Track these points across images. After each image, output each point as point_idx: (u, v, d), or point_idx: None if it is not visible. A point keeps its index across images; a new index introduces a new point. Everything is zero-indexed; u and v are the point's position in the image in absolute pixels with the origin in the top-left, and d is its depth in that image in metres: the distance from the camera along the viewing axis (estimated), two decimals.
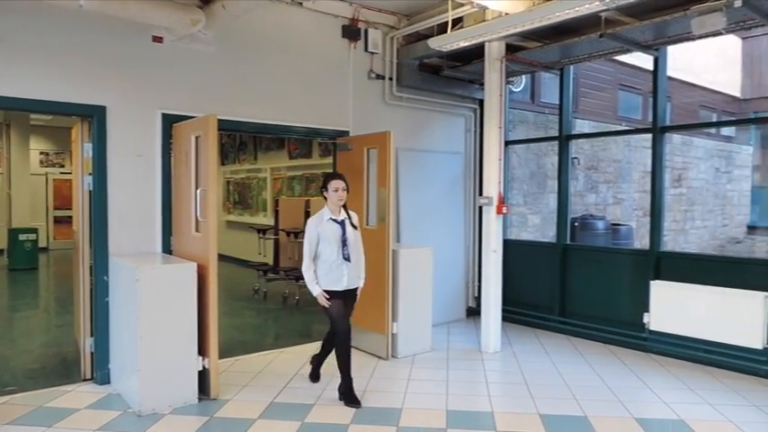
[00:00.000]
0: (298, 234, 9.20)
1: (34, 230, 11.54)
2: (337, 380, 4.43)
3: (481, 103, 6.80)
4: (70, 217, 6.02)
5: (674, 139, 11.48)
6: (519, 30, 4.67)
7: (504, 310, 5.96)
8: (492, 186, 5.71)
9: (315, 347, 5.81)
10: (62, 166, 15.10)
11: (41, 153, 14.96)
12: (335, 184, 4.34)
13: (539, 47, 5.76)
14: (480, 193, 6.09)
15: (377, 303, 5.37)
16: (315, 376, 4.77)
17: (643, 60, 8.75)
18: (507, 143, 6.82)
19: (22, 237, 11.19)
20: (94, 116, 4.63)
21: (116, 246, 4.73)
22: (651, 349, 5.68)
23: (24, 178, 12.16)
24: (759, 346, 4.89)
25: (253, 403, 4.33)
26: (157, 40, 4.90)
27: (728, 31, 4.79)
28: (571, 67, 6.56)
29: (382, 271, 5.30)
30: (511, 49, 5.80)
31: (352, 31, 6.08)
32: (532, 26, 4.51)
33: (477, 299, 6.85)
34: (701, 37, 4.94)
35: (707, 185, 12.84)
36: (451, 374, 5.09)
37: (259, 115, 5.49)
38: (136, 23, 4.64)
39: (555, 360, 5.52)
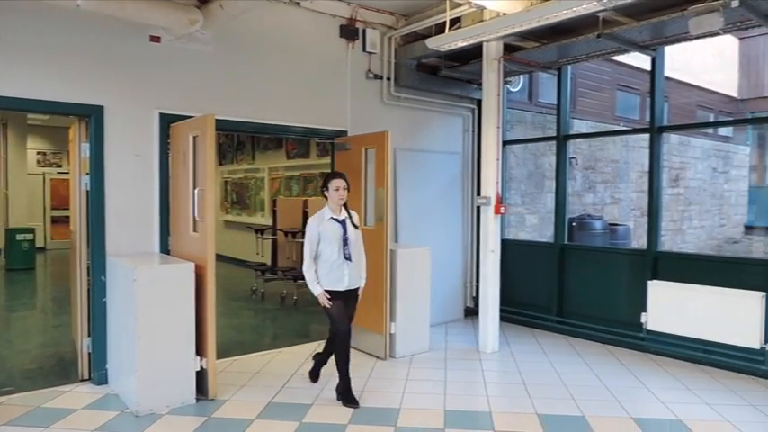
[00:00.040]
0: (295, 234, 9.20)
1: (31, 230, 11.51)
2: (335, 380, 4.43)
3: (479, 103, 6.81)
4: (67, 217, 6.01)
5: (672, 140, 11.51)
6: (517, 30, 4.67)
7: (501, 310, 5.96)
8: (490, 186, 5.72)
9: (313, 347, 5.83)
10: (59, 166, 15.07)
11: (39, 153, 14.93)
12: (336, 183, 4.32)
13: (536, 47, 5.77)
14: (478, 193, 6.09)
15: (375, 303, 5.36)
16: (315, 376, 4.75)
17: (641, 60, 8.77)
18: (505, 143, 6.82)
19: (19, 237, 11.16)
20: (92, 116, 4.62)
21: (113, 246, 4.72)
22: (649, 349, 5.69)
23: (21, 178, 12.14)
24: (756, 345, 4.90)
25: (251, 403, 4.32)
26: (155, 39, 4.89)
27: (726, 31, 4.79)
28: (569, 67, 6.56)
29: (380, 271, 5.30)
30: (509, 49, 5.81)
31: (349, 31, 6.08)
32: (530, 26, 4.51)
33: (475, 299, 6.86)
34: (698, 37, 4.95)
35: (704, 185, 12.88)
36: (449, 374, 5.09)
37: (257, 115, 5.48)
38: (133, 23, 4.63)
39: (553, 360, 5.52)
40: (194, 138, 4.57)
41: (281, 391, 4.59)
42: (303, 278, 8.47)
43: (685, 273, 5.45)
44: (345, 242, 4.29)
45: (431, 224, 6.78)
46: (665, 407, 4.34)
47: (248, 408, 4.24)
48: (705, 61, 13.44)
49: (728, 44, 14.66)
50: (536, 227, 8.64)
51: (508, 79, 7.04)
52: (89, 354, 4.75)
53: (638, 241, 9.77)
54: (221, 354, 5.00)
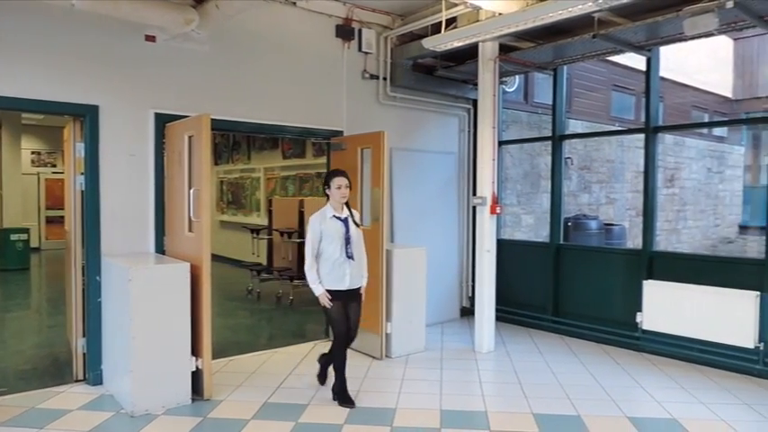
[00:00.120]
0: (291, 234, 9.19)
1: (26, 230, 11.46)
2: (331, 380, 4.43)
3: (475, 103, 6.83)
4: (62, 217, 5.98)
5: (667, 140, 11.54)
6: (512, 30, 4.68)
7: (497, 310, 5.98)
8: (486, 186, 5.72)
9: (309, 347, 5.83)
10: (54, 166, 15.02)
11: (33, 153, 14.87)
12: (338, 181, 4.29)
13: (532, 47, 5.78)
14: (474, 193, 6.10)
15: (371, 303, 5.35)
16: (323, 378, 4.69)
17: (636, 61, 8.78)
18: (501, 143, 6.83)
19: (13, 237, 11.11)
20: (87, 115, 4.61)
21: (108, 246, 4.71)
22: (644, 348, 5.71)
23: (16, 178, 12.07)
24: (751, 345, 4.93)
25: (246, 404, 4.32)
26: (150, 39, 4.88)
27: (720, 32, 4.82)
28: (564, 67, 6.58)
29: (376, 271, 5.29)
30: (504, 49, 5.81)
31: (345, 31, 6.07)
32: (526, 26, 4.51)
33: (471, 299, 6.86)
34: (693, 38, 4.97)
35: (699, 185, 12.92)
36: (445, 374, 5.10)
37: (252, 115, 5.47)
38: (129, 23, 4.62)
39: (548, 359, 5.53)
40: (190, 137, 4.55)
41: (276, 392, 4.59)
42: (299, 278, 8.52)
43: (680, 272, 5.47)
44: (348, 241, 4.25)
45: (427, 224, 6.79)
46: (660, 406, 4.36)
47: (244, 408, 4.23)
48: (700, 62, 13.49)
49: (723, 45, 14.71)
50: (532, 227, 8.65)
51: (504, 79, 7.05)
52: (84, 354, 4.74)
53: (634, 241, 9.79)
54: (217, 354, 4.99)
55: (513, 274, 6.89)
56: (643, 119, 5.99)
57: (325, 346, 5.20)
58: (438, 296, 6.78)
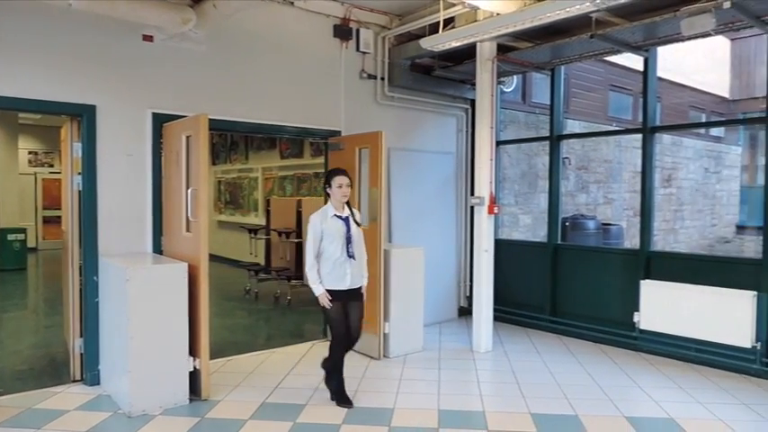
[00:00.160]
0: (289, 234, 9.18)
1: (23, 230, 11.44)
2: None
3: (473, 103, 6.83)
4: (59, 217, 5.98)
5: (664, 140, 11.56)
6: (510, 30, 4.68)
7: (495, 310, 5.98)
8: (483, 186, 5.72)
9: (306, 347, 5.82)
10: (51, 166, 14.98)
11: (30, 152, 14.83)
12: (339, 180, 4.26)
13: (530, 47, 5.78)
14: (472, 193, 6.10)
15: (369, 303, 5.33)
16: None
17: (633, 61, 8.80)
18: (498, 143, 6.83)
19: (10, 237, 11.09)
20: (84, 115, 4.60)
21: (106, 246, 4.70)
22: (641, 348, 5.72)
23: (13, 178, 12.04)
24: (748, 344, 4.94)
25: (244, 404, 4.31)
26: (148, 39, 4.87)
27: (717, 32, 4.82)
28: (562, 67, 6.58)
29: (374, 271, 5.28)
30: (502, 49, 5.82)
31: (343, 31, 6.07)
32: (524, 26, 4.52)
33: (469, 298, 6.86)
34: (690, 38, 4.98)
35: (696, 185, 12.95)
36: (443, 374, 5.10)
37: (250, 115, 5.47)
38: (126, 22, 4.61)
39: (546, 359, 5.54)
40: (187, 137, 4.55)
41: (274, 392, 4.58)
42: (297, 278, 8.51)
43: (678, 272, 5.48)
44: (349, 240, 4.22)
45: (424, 224, 6.79)
46: (657, 406, 4.37)
47: (242, 408, 4.23)
48: (697, 62, 13.52)
49: (720, 45, 14.75)
50: (529, 227, 8.66)
51: (502, 79, 7.05)
52: (81, 354, 4.73)
53: (631, 241, 9.81)
54: (215, 354, 4.99)
55: (511, 274, 6.89)
56: (640, 119, 6.00)
57: (324, 347, 5.20)
58: (436, 296, 6.79)
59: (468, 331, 6.30)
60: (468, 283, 7.20)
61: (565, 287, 6.54)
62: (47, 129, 14.00)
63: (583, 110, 10.80)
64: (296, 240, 8.97)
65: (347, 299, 4.28)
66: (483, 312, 5.78)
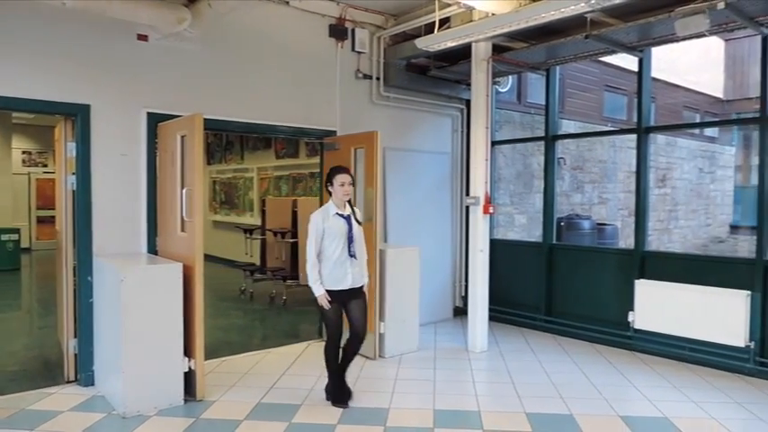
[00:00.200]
0: (284, 234, 9.17)
1: (16, 231, 11.37)
2: (325, 379, 4.42)
3: (468, 103, 6.83)
4: (53, 217, 5.94)
5: (659, 140, 11.61)
6: (505, 30, 4.69)
7: (490, 310, 5.98)
8: (479, 186, 5.73)
9: (302, 347, 5.81)
10: (45, 166, 14.91)
11: (24, 152, 14.75)
12: (341, 178, 4.20)
13: (525, 47, 5.79)
14: (467, 193, 6.11)
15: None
16: (344, 392, 4.38)
17: (628, 61, 8.84)
18: (494, 143, 6.83)
19: (4, 237, 11.02)
20: (78, 115, 4.58)
21: (100, 246, 4.68)
22: (636, 348, 5.74)
23: (6, 178, 11.99)
24: (741, 343, 4.96)
25: (239, 404, 4.30)
26: (142, 38, 4.85)
27: (711, 32, 4.85)
28: (557, 67, 6.60)
29: (370, 271, 5.27)
30: (497, 49, 5.83)
31: (339, 31, 6.07)
32: (519, 27, 4.53)
33: (464, 298, 6.87)
34: (684, 38, 5.00)
35: (690, 185, 13.00)
36: (438, 374, 5.10)
37: (245, 114, 5.46)
38: (120, 21, 4.59)
39: (541, 359, 5.55)
40: (182, 137, 4.54)
41: (269, 392, 4.57)
42: (292, 278, 8.48)
43: (672, 272, 5.50)
44: (351, 239, 4.17)
45: (420, 224, 6.79)
46: (651, 405, 4.38)
47: (237, 409, 4.22)
48: (691, 62, 13.58)
49: (714, 45, 14.82)
50: (525, 226, 8.67)
51: (497, 79, 7.06)
52: (75, 355, 4.71)
53: (626, 241, 9.84)
54: (209, 354, 4.97)
55: (506, 273, 6.90)
56: (635, 119, 6.02)
57: (319, 347, 5.19)
58: (431, 296, 6.79)
59: (463, 331, 6.31)
60: (463, 282, 7.21)
61: (560, 287, 6.56)
62: (41, 128, 13.93)
63: (578, 110, 10.84)
64: (291, 240, 8.95)
65: (348, 298, 4.22)
66: (478, 312, 5.79)
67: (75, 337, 4.71)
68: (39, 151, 14.97)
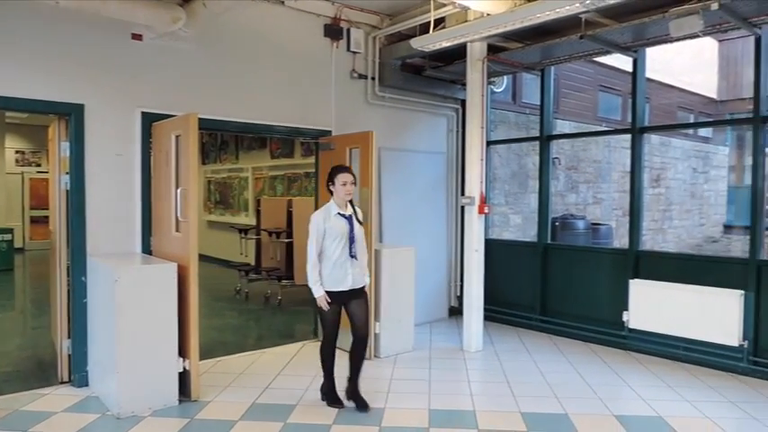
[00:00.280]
0: (280, 234, 9.16)
1: (10, 231, 11.30)
2: (320, 379, 4.41)
3: (463, 103, 6.84)
4: (47, 217, 5.92)
5: (653, 140, 11.65)
6: (500, 30, 4.70)
7: (486, 310, 5.99)
8: (474, 186, 5.74)
9: (297, 347, 5.81)
10: (39, 165, 14.82)
11: (17, 152, 14.66)
12: (343, 177, 4.13)
13: (520, 48, 5.80)
14: (462, 193, 6.11)
15: None
16: (357, 398, 4.26)
17: (622, 62, 8.87)
18: (489, 143, 6.85)
19: None
20: (72, 114, 4.55)
21: (94, 246, 4.66)
22: (631, 347, 5.76)
23: None
24: (735, 343, 4.99)
25: (234, 404, 4.29)
26: (137, 37, 4.84)
27: (705, 33, 4.86)
28: (552, 68, 6.61)
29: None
30: (492, 49, 5.84)
31: (334, 31, 6.06)
32: (514, 27, 4.53)
33: (460, 298, 6.88)
34: (678, 39, 5.02)
35: (684, 185, 13.06)
36: (434, 374, 5.10)
37: (240, 114, 5.45)
38: (115, 21, 4.57)
39: (536, 359, 5.56)
40: (177, 137, 4.52)
41: (264, 392, 4.57)
42: (287, 278, 8.47)
43: (666, 272, 5.52)
44: (352, 240, 4.12)
45: (415, 224, 6.79)
46: (646, 404, 4.40)
47: (232, 409, 4.21)
48: (685, 63, 13.63)
49: (708, 46, 14.88)
50: (520, 226, 8.69)
51: (492, 80, 7.07)
52: (69, 356, 4.68)
53: (620, 240, 9.87)
54: (204, 355, 4.96)
55: (502, 273, 6.91)
56: (629, 119, 6.04)
57: (314, 347, 5.19)
58: (426, 296, 6.79)
59: (458, 331, 6.32)
60: (458, 282, 7.21)
61: (555, 287, 6.57)
62: (34, 128, 13.85)
63: (572, 110, 10.87)
64: (286, 240, 8.94)
65: (348, 298, 4.17)
66: (473, 312, 5.80)
67: (69, 337, 4.69)
68: (32, 151, 14.89)
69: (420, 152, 6.96)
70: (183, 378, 4.33)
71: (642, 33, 5.21)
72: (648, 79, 6.20)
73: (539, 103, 6.80)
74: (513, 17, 4.39)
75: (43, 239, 12.48)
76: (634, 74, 5.89)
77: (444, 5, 4.90)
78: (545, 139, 6.67)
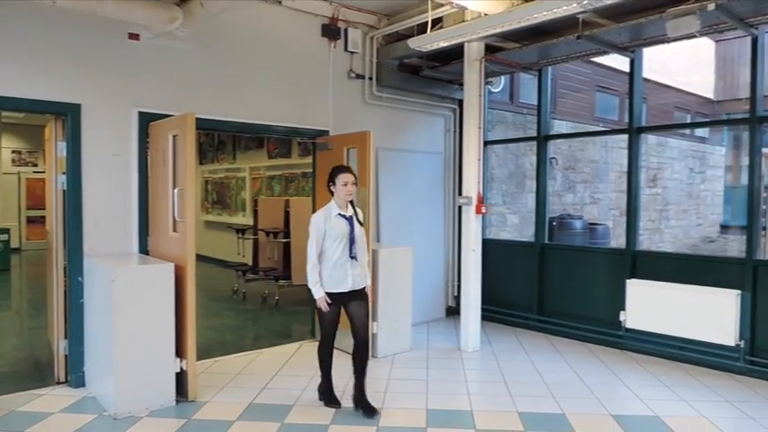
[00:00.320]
0: (277, 234, 9.15)
1: (6, 231, 11.28)
2: (317, 379, 4.41)
3: (460, 103, 6.84)
4: (43, 217, 5.89)
5: (650, 140, 11.67)
6: (498, 30, 4.71)
7: (483, 309, 5.99)
8: (471, 186, 5.74)
9: (295, 348, 5.80)
10: (35, 165, 14.77)
11: (13, 152, 14.61)
12: (344, 177, 4.10)
13: (517, 48, 5.81)
14: (460, 193, 6.12)
15: None
16: (362, 403, 4.18)
17: (619, 62, 8.88)
18: (486, 143, 6.86)
19: None
20: (68, 114, 4.54)
21: (91, 246, 4.65)
22: (628, 347, 5.77)
23: None
24: (732, 342, 5.00)
25: (231, 405, 4.29)
26: (134, 37, 4.83)
27: (702, 33, 4.88)
28: (549, 68, 6.61)
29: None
30: (490, 49, 5.84)
31: (331, 31, 6.06)
32: (511, 27, 4.54)
33: (457, 298, 6.88)
34: (675, 39, 5.03)
35: (681, 185, 13.08)
36: (431, 374, 5.11)
37: (238, 114, 5.44)
38: (112, 20, 4.56)
39: (533, 358, 5.57)
40: (174, 137, 4.51)
41: (262, 392, 4.56)
42: (285, 278, 8.46)
43: (663, 271, 5.54)
44: (352, 240, 4.09)
45: (413, 224, 6.80)
46: (643, 404, 4.40)
47: (229, 409, 4.20)
48: (682, 63, 13.67)
49: (705, 46, 14.92)
50: (517, 226, 8.70)
51: (489, 80, 7.07)
52: (66, 356, 4.67)
53: (617, 240, 9.89)
54: (201, 355, 4.96)
55: (499, 273, 6.92)
56: (626, 119, 6.05)
57: (312, 347, 5.19)
58: (424, 296, 6.79)
59: (455, 331, 6.32)
60: (455, 282, 7.22)
61: (552, 286, 6.58)
62: (31, 128, 13.78)
63: (570, 110, 10.89)
64: (284, 240, 8.93)
65: (348, 300, 4.14)
66: (471, 312, 5.80)
67: (66, 337, 4.68)
68: (29, 151, 14.84)
69: (417, 152, 6.96)
70: (181, 378, 4.32)
71: (639, 33, 5.22)
72: (645, 79, 6.22)
73: (536, 103, 6.81)
74: (511, 17, 4.39)
75: (40, 239, 12.45)
76: (631, 74, 5.90)
77: (442, 5, 4.90)
78: (542, 140, 6.68)
